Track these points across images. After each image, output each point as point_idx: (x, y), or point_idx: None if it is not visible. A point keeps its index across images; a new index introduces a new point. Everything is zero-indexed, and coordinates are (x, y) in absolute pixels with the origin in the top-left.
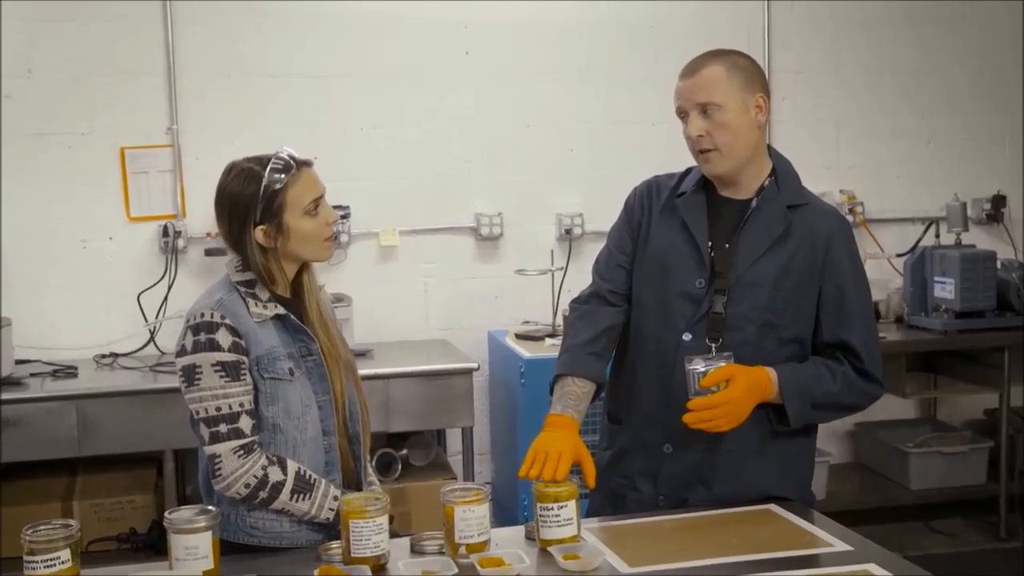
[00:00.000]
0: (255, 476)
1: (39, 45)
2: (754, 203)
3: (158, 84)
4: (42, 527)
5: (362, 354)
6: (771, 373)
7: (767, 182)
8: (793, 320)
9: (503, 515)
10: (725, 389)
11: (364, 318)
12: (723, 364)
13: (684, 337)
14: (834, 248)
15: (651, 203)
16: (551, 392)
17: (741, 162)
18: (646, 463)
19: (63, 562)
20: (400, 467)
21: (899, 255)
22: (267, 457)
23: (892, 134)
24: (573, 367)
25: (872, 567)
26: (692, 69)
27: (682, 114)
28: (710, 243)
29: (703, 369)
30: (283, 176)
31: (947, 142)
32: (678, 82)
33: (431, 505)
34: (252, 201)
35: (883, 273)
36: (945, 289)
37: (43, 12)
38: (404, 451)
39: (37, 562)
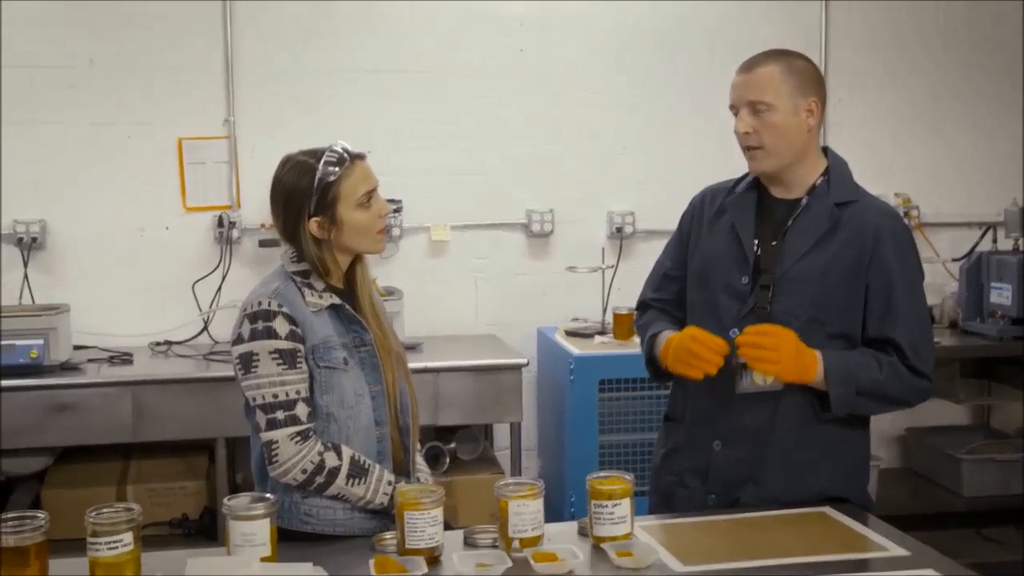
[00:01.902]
0: (312, 462)
1: (102, 36)
2: (804, 201)
3: (216, 76)
4: (106, 509)
5: (412, 347)
6: (817, 353)
7: (819, 181)
8: (839, 316)
9: (550, 511)
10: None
11: (414, 312)
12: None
13: (731, 333)
14: (882, 243)
15: (703, 212)
16: (649, 353)
17: (786, 162)
18: (696, 460)
19: (125, 544)
20: (448, 460)
21: (955, 260)
22: (322, 443)
23: (949, 137)
24: (661, 326)
25: (930, 572)
26: (749, 66)
27: (734, 109)
28: (757, 241)
29: None
30: (337, 169)
31: (1006, 145)
32: (735, 76)
33: (478, 498)
34: (307, 193)
35: (938, 278)
36: (1002, 295)
37: (108, 6)
38: (452, 444)
39: (100, 544)
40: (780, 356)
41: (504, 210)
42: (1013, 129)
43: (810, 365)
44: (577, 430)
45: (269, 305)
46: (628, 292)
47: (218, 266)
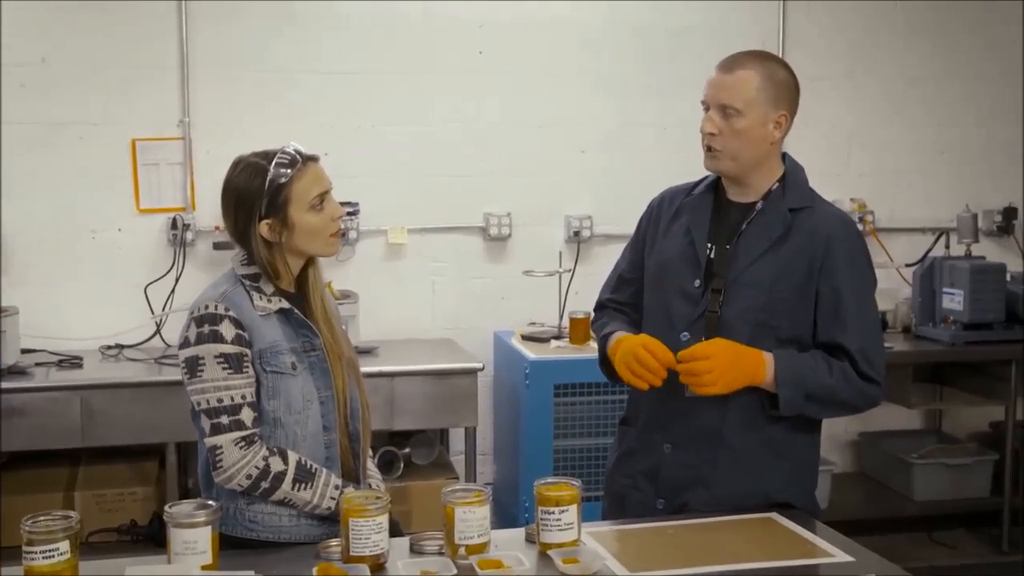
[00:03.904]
0: (256, 467)
1: (53, 34)
2: (759, 206)
3: (171, 77)
4: (42, 518)
5: (368, 351)
6: (766, 356)
7: (775, 186)
8: (789, 321)
9: (504, 516)
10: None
11: (371, 315)
12: None
13: (682, 336)
14: (833, 250)
15: (660, 214)
16: (602, 350)
17: (743, 168)
18: (648, 463)
19: (62, 553)
20: (402, 465)
21: (908, 265)
22: (268, 448)
23: (904, 143)
24: (615, 327)
25: None
26: (729, 66)
27: (705, 105)
28: (711, 245)
29: None
30: (289, 170)
31: (960, 153)
32: (713, 72)
33: (433, 504)
34: (258, 195)
35: (892, 283)
36: (954, 300)
37: (59, 3)
38: (407, 449)
39: (36, 553)
40: (715, 377)
41: (462, 213)
42: (968, 136)
43: (756, 368)
44: (532, 435)
45: (216, 309)
46: (585, 296)
47: (171, 269)
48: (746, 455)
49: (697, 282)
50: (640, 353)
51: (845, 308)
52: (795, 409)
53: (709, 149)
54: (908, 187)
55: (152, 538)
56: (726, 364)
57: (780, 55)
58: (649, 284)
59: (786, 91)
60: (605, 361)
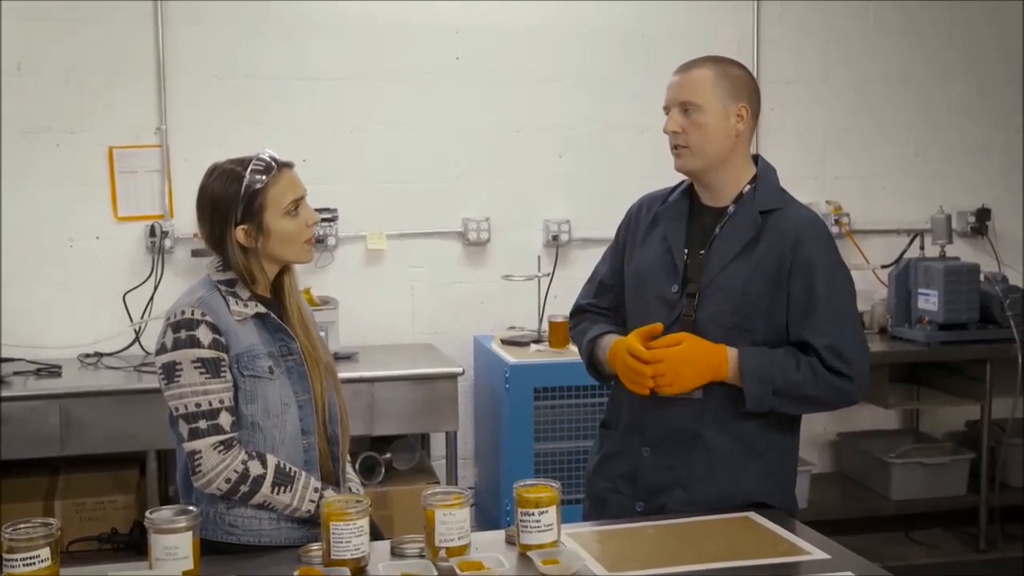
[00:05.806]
0: (235, 471)
1: (29, 42)
2: (730, 210)
3: (148, 84)
4: (22, 525)
5: (347, 357)
6: (729, 351)
7: (746, 189)
8: (764, 323)
9: (486, 520)
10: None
11: (350, 321)
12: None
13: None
14: (803, 250)
15: (638, 220)
16: (591, 356)
17: (709, 164)
18: (627, 466)
19: (42, 560)
20: (384, 471)
21: (884, 266)
22: (246, 452)
23: (880, 145)
24: (601, 329)
25: (848, 575)
26: (684, 68)
27: (667, 109)
28: (686, 250)
29: None
30: (264, 177)
31: (934, 154)
32: (671, 77)
33: (414, 509)
34: (233, 201)
35: (868, 284)
36: (929, 301)
37: (34, 10)
38: (388, 455)
39: (16, 560)
40: (669, 379)
41: (440, 218)
42: (942, 138)
43: (719, 364)
44: (512, 438)
45: (192, 314)
46: (564, 300)
47: (150, 276)
48: (723, 456)
49: (675, 288)
50: (629, 362)
51: (815, 306)
52: (763, 405)
53: (675, 148)
54: (883, 189)
55: (133, 547)
56: (677, 365)
57: (755, 58)
58: (629, 291)
59: (743, 85)
60: (593, 364)
